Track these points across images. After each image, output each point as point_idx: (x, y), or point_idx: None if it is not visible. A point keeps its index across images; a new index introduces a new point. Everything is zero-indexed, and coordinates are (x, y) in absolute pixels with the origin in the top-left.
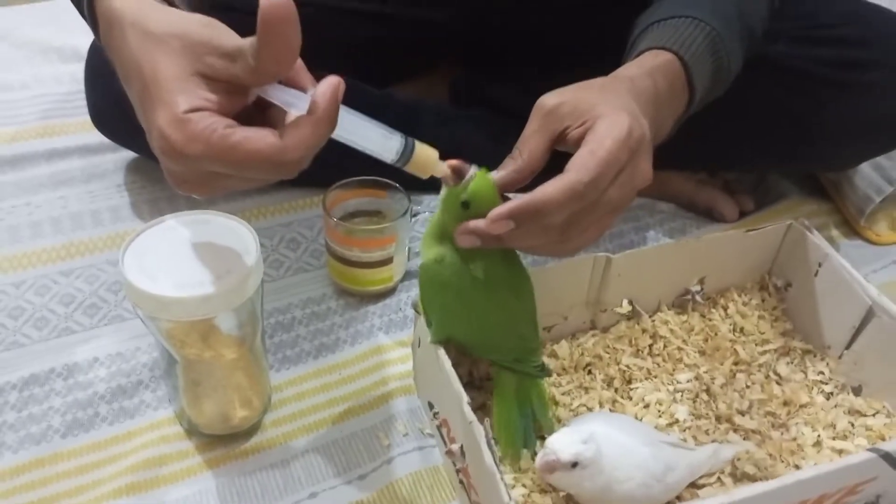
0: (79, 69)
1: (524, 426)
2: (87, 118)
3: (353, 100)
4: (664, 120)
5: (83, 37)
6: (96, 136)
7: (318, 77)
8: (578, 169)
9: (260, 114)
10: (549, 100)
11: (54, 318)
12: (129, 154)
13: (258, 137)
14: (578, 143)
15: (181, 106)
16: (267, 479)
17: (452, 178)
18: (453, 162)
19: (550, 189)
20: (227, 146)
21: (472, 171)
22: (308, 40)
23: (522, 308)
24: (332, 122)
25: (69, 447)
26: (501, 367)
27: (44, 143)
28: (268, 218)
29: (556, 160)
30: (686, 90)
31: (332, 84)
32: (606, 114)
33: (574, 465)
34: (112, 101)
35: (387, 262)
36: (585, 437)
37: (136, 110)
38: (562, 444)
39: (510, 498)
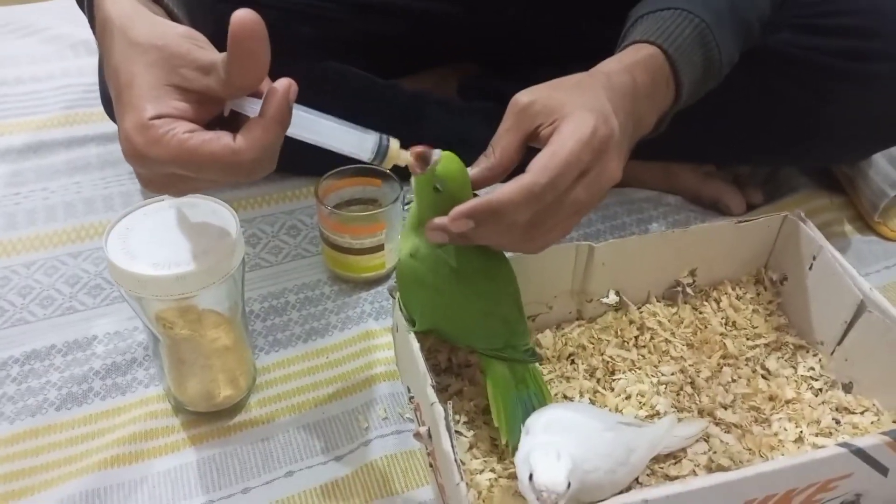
0: None
1: (524, 412)
2: None
3: (359, 90)
4: (645, 114)
5: None
6: (114, 126)
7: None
8: (537, 171)
9: (234, 122)
10: (521, 98)
11: (59, 297)
12: None
13: (214, 140)
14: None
15: (148, 112)
16: (246, 457)
17: (419, 164)
18: (417, 148)
19: (508, 190)
20: (185, 149)
21: (437, 155)
22: (320, 33)
23: (503, 291)
24: (283, 122)
25: (62, 419)
26: (490, 356)
27: (65, 131)
28: (270, 205)
29: None
30: (671, 83)
31: (282, 86)
32: (573, 114)
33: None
34: None
35: (378, 248)
36: (557, 453)
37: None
38: (550, 478)
39: (461, 478)
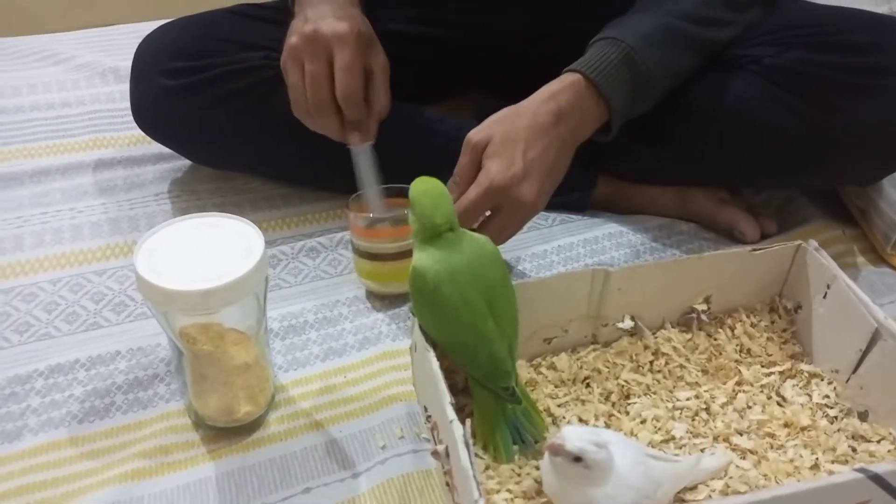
0: None
1: (513, 431)
2: (135, 132)
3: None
4: (577, 126)
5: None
6: (140, 150)
7: None
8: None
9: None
10: (472, 136)
11: (84, 313)
12: (167, 166)
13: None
14: None
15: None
16: (265, 473)
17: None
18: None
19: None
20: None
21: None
22: None
23: (499, 330)
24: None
25: (84, 432)
26: (475, 380)
27: (92, 154)
28: (291, 228)
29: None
30: (600, 101)
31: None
32: (488, 162)
33: (578, 459)
34: (151, 97)
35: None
36: (600, 441)
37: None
38: (574, 434)
39: (479, 494)
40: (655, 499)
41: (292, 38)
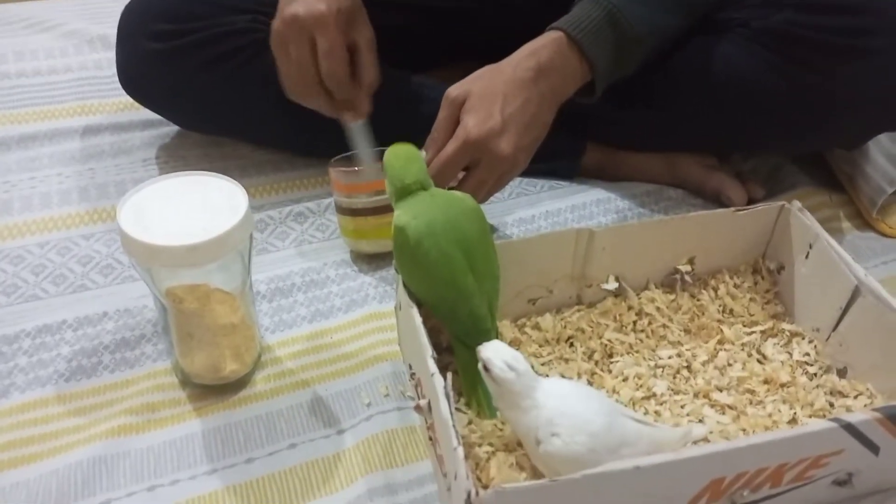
0: None
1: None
2: (123, 98)
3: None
4: (558, 84)
5: None
6: (128, 116)
7: None
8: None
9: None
10: (451, 91)
11: (72, 275)
12: (155, 132)
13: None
14: None
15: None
16: (251, 429)
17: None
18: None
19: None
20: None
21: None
22: None
23: (480, 287)
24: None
25: (71, 390)
26: (457, 338)
27: (80, 120)
28: (279, 194)
29: None
30: (582, 59)
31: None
32: (466, 116)
33: (486, 369)
34: (137, 61)
35: (390, 208)
36: (515, 365)
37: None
38: (492, 347)
39: (458, 443)
40: (619, 455)
41: (276, 23)
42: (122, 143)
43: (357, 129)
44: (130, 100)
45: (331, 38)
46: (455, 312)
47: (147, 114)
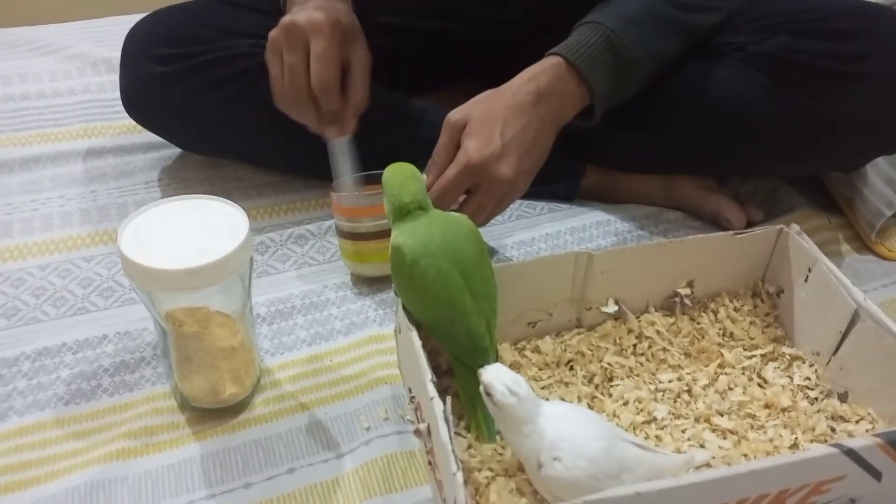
0: None
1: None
2: (126, 121)
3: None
4: (557, 108)
5: None
6: (130, 139)
7: None
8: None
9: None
10: (452, 115)
11: (72, 298)
12: (157, 154)
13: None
14: None
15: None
16: (249, 453)
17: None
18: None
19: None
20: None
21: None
22: None
23: (477, 307)
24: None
25: (70, 413)
26: (455, 357)
27: (83, 143)
28: (280, 216)
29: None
30: (579, 83)
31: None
32: (466, 140)
33: (488, 394)
34: (140, 84)
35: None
36: (517, 389)
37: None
38: (493, 371)
39: (458, 468)
40: (620, 480)
41: (273, 32)
42: (125, 166)
43: (339, 147)
44: (133, 123)
45: (325, 43)
46: (453, 331)
47: (149, 136)
